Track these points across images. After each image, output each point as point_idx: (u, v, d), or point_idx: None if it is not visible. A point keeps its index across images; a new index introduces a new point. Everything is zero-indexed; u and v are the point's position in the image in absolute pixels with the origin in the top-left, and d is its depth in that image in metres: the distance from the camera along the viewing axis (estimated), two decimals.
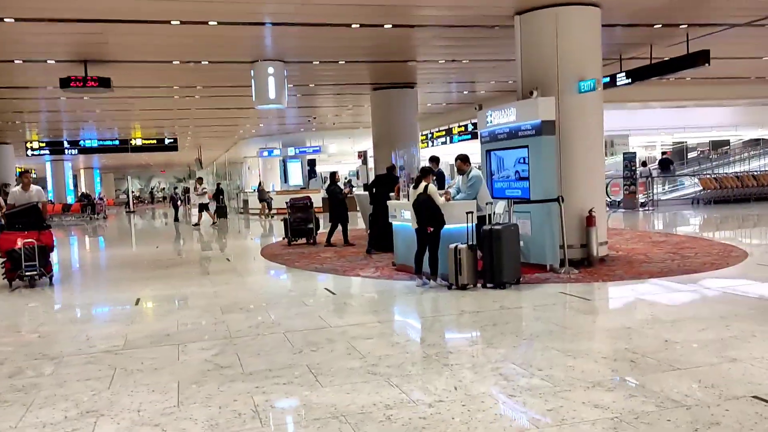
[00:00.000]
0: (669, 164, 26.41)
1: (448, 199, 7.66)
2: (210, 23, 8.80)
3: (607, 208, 18.98)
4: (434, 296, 6.91)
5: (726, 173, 21.63)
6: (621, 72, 12.24)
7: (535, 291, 6.98)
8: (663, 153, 31.08)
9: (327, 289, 7.79)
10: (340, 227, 12.03)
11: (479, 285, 7.14)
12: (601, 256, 8.78)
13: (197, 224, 19.41)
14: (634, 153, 19.39)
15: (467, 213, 7.21)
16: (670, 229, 13.99)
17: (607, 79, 12.51)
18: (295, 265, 9.90)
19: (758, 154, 25.79)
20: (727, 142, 34.00)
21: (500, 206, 7.87)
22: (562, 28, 8.42)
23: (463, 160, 8.18)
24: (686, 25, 10.32)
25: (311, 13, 8.60)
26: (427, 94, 16.84)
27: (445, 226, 7.25)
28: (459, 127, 21.74)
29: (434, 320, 6.08)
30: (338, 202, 12.13)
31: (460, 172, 8.24)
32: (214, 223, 19.52)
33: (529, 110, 8.24)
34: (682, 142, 32.14)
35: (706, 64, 10.41)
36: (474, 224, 7.31)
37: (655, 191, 20.02)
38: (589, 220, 8.47)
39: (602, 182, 9.27)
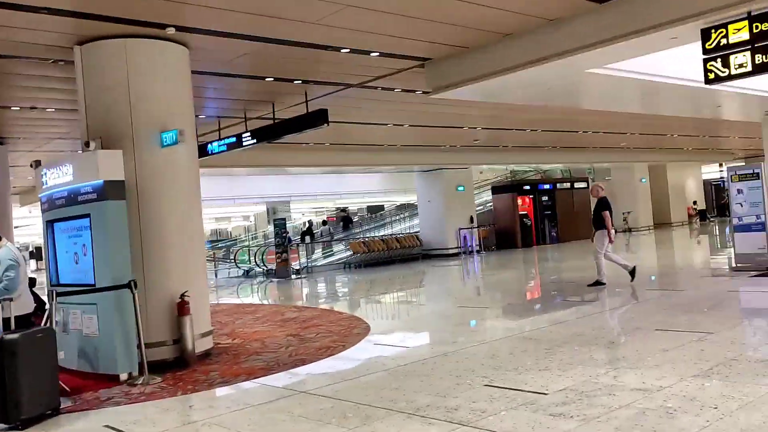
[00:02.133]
0: (349, 222, 27.08)
1: None
2: None
3: (263, 278, 18.20)
4: None
5: (374, 237, 22.38)
6: (247, 132, 11.09)
7: (73, 428, 4.85)
8: (324, 222, 31.86)
9: None
10: None
11: None
12: (204, 350, 7.05)
13: None
14: (284, 219, 18.68)
15: None
16: (311, 300, 13.14)
17: (234, 139, 11.26)
18: None
19: (403, 218, 27.64)
20: (382, 207, 36.61)
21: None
22: (137, 65, 6.70)
23: None
24: (301, 81, 9.56)
25: None
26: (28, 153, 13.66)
27: None
28: None
29: None
30: None
31: None
32: None
33: (89, 167, 6.23)
34: (344, 208, 33.45)
35: (326, 124, 9.72)
36: None
37: (310, 257, 19.60)
38: (182, 308, 6.67)
39: (201, 258, 7.56)
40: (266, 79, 9.29)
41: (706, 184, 35.03)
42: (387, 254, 20.23)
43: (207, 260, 23.29)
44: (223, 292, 16.12)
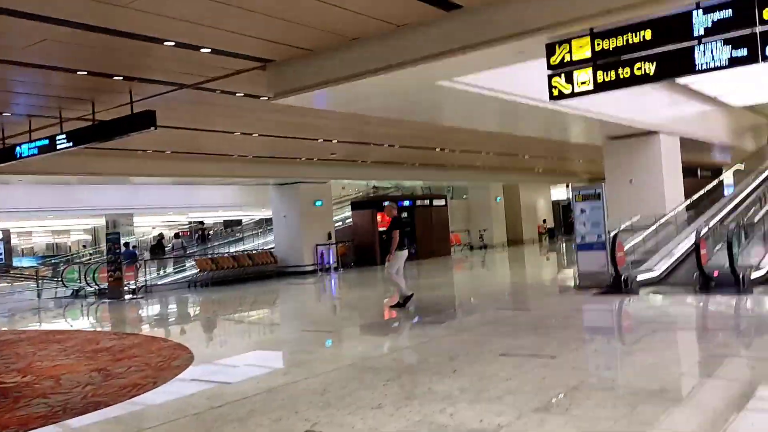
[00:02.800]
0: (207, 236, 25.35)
1: None
2: None
3: (94, 299, 16.32)
4: None
5: (224, 253, 21.13)
6: (62, 133, 9.69)
7: None
8: (176, 235, 29.84)
9: None
10: None
11: None
12: None
13: None
14: (118, 233, 16.96)
15: None
16: (136, 325, 11.72)
17: (46, 141, 9.82)
18: None
19: (260, 233, 26.53)
20: (239, 222, 35.08)
21: None
22: None
23: None
24: (122, 78, 8.42)
25: None
26: None
27: None
28: None
29: None
30: None
31: None
32: None
33: None
34: (201, 222, 31.63)
35: (153, 128, 8.63)
36: None
37: (151, 275, 17.98)
38: None
39: None
40: (78, 73, 8.05)
41: (555, 204, 36.95)
42: (238, 272, 19.05)
43: (26, 278, 21.15)
44: (43, 315, 14.22)
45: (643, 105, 14.97)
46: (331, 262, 21.59)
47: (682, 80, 16.08)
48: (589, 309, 9.60)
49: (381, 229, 23.32)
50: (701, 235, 10.70)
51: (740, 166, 20.93)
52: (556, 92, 6.97)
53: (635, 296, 10.25)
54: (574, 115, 12.71)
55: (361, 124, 14.41)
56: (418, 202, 25.39)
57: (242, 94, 10.39)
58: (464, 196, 31.19)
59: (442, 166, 24.22)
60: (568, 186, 34.06)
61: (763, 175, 19.35)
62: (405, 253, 10.35)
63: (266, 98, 9.41)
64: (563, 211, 35.96)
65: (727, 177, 21.92)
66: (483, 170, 26.68)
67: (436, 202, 26.21)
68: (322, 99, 9.43)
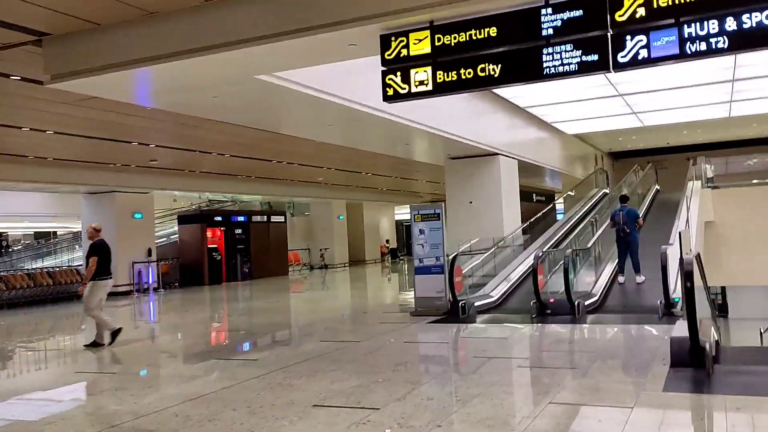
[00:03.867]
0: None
1: None
2: None
3: None
4: None
5: (32, 270, 18.15)
6: None
7: None
8: None
9: None
10: None
11: None
12: None
13: None
14: None
15: None
16: None
17: None
18: None
19: (75, 247, 23.48)
20: (55, 233, 31.17)
21: None
22: None
23: None
24: None
25: None
26: None
27: None
28: None
29: None
30: None
31: None
32: None
33: None
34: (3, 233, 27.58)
35: None
36: None
37: None
38: None
39: None
40: None
41: (399, 223, 36.90)
42: (36, 292, 16.27)
43: None
44: None
45: (484, 126, 14.71)
46: (151, 281, 19.33)
47: (522, 103, 16.15)
48: (424, 341, 8.69)
49: (210, 246, 21.46)
50: (539, 259, 10.28)
51: (571, 193, 21.67)
52: (391, 91, 5.95)
53: (473, 325, 9.55)
54: (417, 130, 12.02)
55: (185, 127, 12.72)
56: (255, 218, 23.75)
57: (18, 78, 8.42)
58: (306, 213, 29.98)
59: (282, 180, 22.85)
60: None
61: (592, 201, 20.09)
62: (108, 282, 8.79)
63: (43, 82, 7.55)
64: (407, 231, 35.93)
65: (559, 203, 22.67)
66: (325, 186, 25.67)
67: (274, 219, 24.72)
68: (114, 87, 7.75)
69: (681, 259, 6.95)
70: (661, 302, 8.94)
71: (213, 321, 12.29)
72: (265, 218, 24.26)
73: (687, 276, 5.55)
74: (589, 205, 19.64)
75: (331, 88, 9.01)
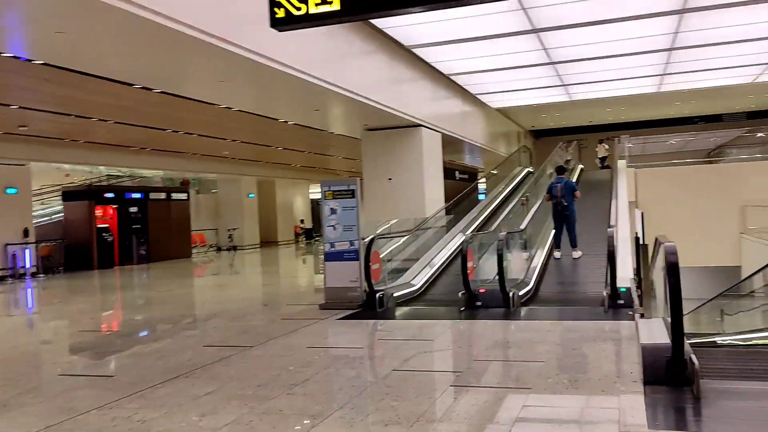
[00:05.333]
0: None
1: None
2: None
3: None
4: None
5: None
6: None
7: None
8: None
9: None
10: None
11: None
12: None
13: None
14: None
15: None
16: None
17: None
18: None
19: None
20: None
21: None
22: None
23: None
24: None
25: None
26: None
27: None
28: None
29: None
30: None
31: None
32: None
33: None
34: None
35: None
36: None
37: None
38: None
39: None
40: None
41: (314, 203, 35.15)
42: None
43: None
44: None
45: (407, 94, 13.25)
46: (28, 266, 16.87)
47: (447, 69, 14.78)
48: (333, 345, 7.14)
49: (100, 225, 19.08)
50: (468, 243, 8.93)
51: (494, 171, 20.69)
52: (281, 12, 4.28)
53: (392, 321, 8.12)
54: (332, 93, 10.41)
55: (52, 84, 10.57)
56: (153, 196, 21.43)
57: None
58: (213, 191, 27.74)
59: (183, 153, 20.64)
60: None
61: (516, 180, 19.11)
62: None
63: None
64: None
65: (482, 182, 21.64)
66: (233, 161, 23.60)
67: (175, 196, 22.48)
68: None
69: (639, 245, 5.74)
70: (607, 293, 7.80)
71: (80, 316, 10.23)
72: (164, 195, 21.98)
73: (672, 269, 4.23)
74: (513, 184, 18.66)
75: (229, 36, 7.28)
